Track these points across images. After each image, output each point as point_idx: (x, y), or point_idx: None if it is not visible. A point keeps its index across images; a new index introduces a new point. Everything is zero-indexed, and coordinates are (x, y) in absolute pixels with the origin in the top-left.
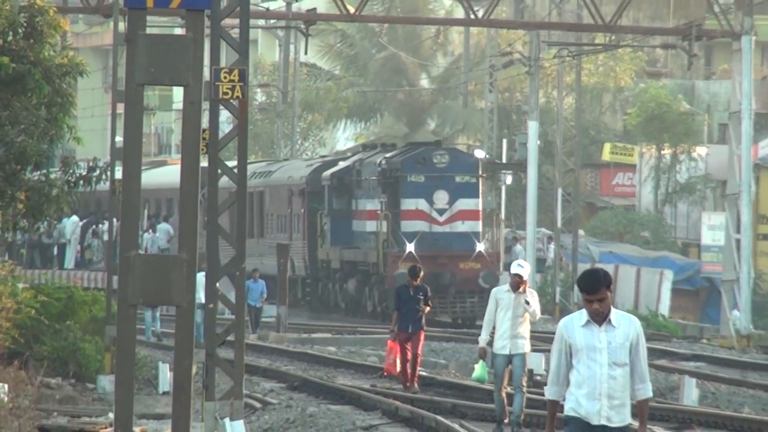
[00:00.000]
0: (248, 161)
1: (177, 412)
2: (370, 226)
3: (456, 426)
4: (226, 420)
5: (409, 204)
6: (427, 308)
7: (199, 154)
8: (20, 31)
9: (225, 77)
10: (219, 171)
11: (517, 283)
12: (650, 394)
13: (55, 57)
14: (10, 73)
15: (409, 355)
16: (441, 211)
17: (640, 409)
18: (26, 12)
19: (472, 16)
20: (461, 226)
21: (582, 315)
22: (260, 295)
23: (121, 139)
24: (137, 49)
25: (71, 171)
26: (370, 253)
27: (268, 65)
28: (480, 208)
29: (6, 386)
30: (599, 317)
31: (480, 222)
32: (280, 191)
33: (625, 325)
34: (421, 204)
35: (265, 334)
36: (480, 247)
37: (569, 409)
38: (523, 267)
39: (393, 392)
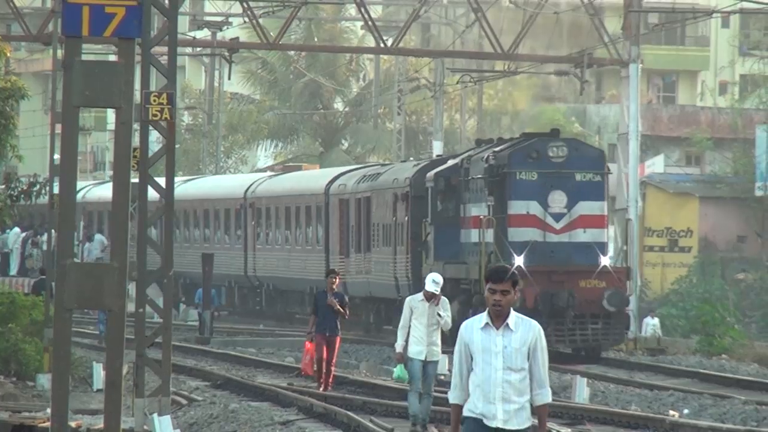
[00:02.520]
0: (361, 165)
1: (109, 408)
2: (476, 235)
3: (366, 422)
4: (155, 415)
5: (518, 207)
6: (341, 310)
7: (129, 171)
8: None
9: (154, 100)
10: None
11: (431, 295)
12: (548, 400)
13: None
14: None
15: (326, 356)
16: (557, 217)
17: (538, 415)
18: None
19: (382, 45)
20: (582, 235)
21: (482, 318)
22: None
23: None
24: (74, 74)
25: (13, 186)
26: (473, 268)
27: (195, 90)
28: (606, 212)
29: None
30: (499, 315)
31: (606, 230)
32: (385, 197)
33: (523, 330)
34: (533, 207)
35: (191, 337)
36: (605, 261)
37: (467, 409)
38: (438, 283)
39: (308, 390)
